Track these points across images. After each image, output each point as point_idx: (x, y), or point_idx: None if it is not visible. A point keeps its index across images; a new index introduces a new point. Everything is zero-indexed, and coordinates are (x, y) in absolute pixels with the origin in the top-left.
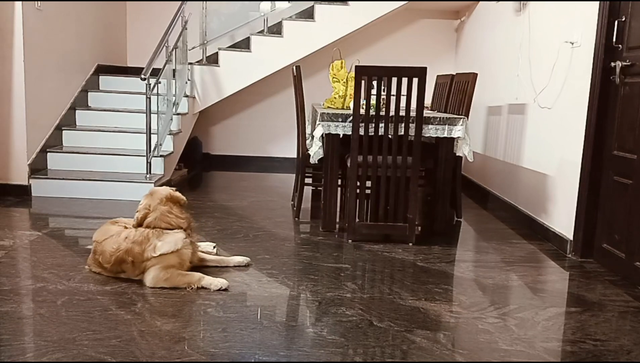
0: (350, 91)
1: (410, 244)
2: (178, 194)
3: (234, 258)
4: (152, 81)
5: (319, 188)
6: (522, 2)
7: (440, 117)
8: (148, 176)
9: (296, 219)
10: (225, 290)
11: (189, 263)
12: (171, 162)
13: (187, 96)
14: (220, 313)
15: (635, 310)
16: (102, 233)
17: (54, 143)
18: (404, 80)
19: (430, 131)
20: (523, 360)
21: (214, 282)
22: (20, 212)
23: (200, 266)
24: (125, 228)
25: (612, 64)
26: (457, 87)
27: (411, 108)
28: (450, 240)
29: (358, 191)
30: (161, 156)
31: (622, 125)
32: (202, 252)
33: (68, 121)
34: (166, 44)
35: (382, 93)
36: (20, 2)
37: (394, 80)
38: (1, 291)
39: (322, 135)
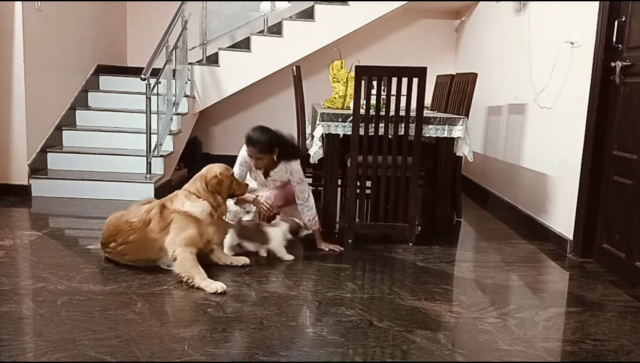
0: (350, 91)
1: (410, 244)
2: (215, 180)
3: (236, 258)
4: (152, 81)
5: (319, 188)
6: (522, 2)
7: (440, 117)
8: (148, 176)
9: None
10: (222, 293)
11: (207, 241)
12: (171, 162)
13: (187, 96)
14: (220, 313)
15: (635, 310)
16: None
17: (54, 143)
18: (404, 80)
19: (430, 131)
20: (523, 360)
21: (212, 285)
22: (20, 212)
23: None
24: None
25: (612, 64)
26: (457, 87)
27: (411, 108)
28: (450, 240)
29: (358, 191)
30: (161, 156)
31: (622, 125)
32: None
33: (68, 121)
34: (166, 44)
35: (382, 93)
36: (20, 2)
37: (394, 80)
38: (1, 291)
39: (322, 135)
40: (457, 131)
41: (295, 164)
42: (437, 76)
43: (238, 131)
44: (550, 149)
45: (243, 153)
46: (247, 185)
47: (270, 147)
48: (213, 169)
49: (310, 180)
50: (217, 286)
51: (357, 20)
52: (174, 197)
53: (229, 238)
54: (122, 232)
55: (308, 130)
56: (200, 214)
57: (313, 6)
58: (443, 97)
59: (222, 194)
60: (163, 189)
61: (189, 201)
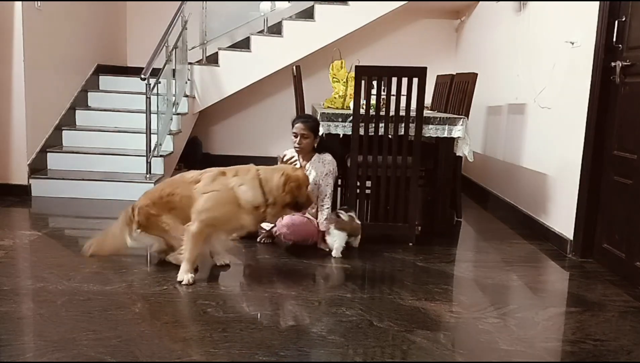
0: (350, 91)
1: (410, 244)
2: (296, 183)
3: (224, 258)
4: (152, 80)
5: None
6: (522, 2)
7: (440, 117)
8: (148, 176)
9: None
10: (187, 284)
11: (237, 228)
12: (171, 162)
13: (187, 96)
14: (220, 313)
15: (635, 310)
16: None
17: (54, 143)
18: (404, 80)
19: (430, 131)
20: (523, 360)
21: (184, 275)
22: (20, 212)
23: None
24: None
25: (612, 64)
26: (457, 87)
27: (411, 108)
28: (450, 240)
29: (358, 191)
30: (161, 156)
31: (622, 125)
32: None
33: (68, 121)
34: (166, 44)
35: (382, 93)
36: (20, 2)
37: (394, 80)
38: (1, 291)
39: (322, 135)
40: (457, 131)
41: (328, 156)
42: (437, 76)
43: (238, 131)
44: (551, 149)
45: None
46: (311, 203)
47: (316, 129)
48: (298, 172)
49: None
50: (186, 277)
51: (357, 20)
52: (240, 171)
53: (341, 239)
54: (173, 184)
55: None
56: (246, 203)
57: (313, 6)
58: (443, 97)
59: (297, 197)
60: None
61: (248, 185)
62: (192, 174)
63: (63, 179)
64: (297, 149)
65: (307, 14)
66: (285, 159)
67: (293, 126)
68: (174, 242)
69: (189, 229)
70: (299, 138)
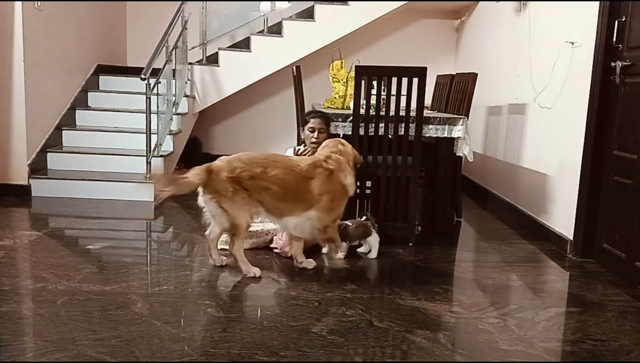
0: (350, 91)
1: (410, 244)
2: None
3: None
4: (152, 81)
5: None
6: (522, 2)
7: (440, 117)
8: (148, 176)
9: None
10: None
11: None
12: (171, 162)
13: (187, 96)
14: (220, 313)
15: (635, 310)
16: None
17: (54, 143)
18: (404, 80)
19: (430, 131)
20: (523, 360)
21: (339, 253)
22: (20, 212)
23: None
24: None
25: (613, 64)
26: (457, 87)
27: (411, 108)
28: (450, 240)
29: (358, 191)
30: (161, 156)
31: (622, 125)
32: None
33: (68, 121)
34: (166, 44)
35: (382, 93)
36: (20, 2)
37: (394, 80)
38: (1, 291)
39: None
40: (457, 131)
41: None
42: (437, 76)
43: (238, 131)
44: (551, 149)
45: (289, 153)
46: None
47: (330, 123)
48: (349, 146)
49: None
50: (340, 254)
51: (357, 20)
52: (337, 161)
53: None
54: (276, 167)
55: None
56: (351, 192)
57: (313, 6)
58: (443, 97)
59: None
60: None
61: (350, 176)
62: (302, 165)
63: (63, 179)
64: (314, 143)
65: (307, 14)
66: (300, 153)
67: (308, 121)
68: (231, 225)
69: (330, 227)
70: (316, 132)
